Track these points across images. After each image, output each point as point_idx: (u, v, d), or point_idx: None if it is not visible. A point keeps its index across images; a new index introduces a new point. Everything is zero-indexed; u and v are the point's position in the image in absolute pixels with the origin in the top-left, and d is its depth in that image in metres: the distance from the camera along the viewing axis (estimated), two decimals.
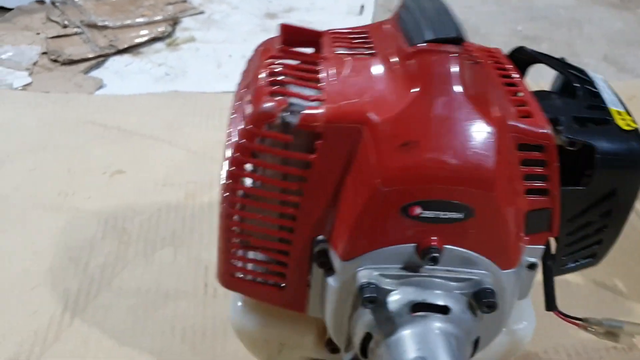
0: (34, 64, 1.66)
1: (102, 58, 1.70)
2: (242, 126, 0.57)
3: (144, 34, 1.81)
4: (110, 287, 1.01)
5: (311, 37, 0.67)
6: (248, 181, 0.60)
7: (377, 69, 0.60)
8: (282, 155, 0.57)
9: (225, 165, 0.59)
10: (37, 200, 1.19)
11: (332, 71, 0.60)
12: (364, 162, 0.55)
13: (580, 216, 0.64)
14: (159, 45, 1.80)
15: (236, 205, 0.60)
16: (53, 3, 1.96)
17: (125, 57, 1.73)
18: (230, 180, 0.59)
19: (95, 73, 1.65)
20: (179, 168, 1.29)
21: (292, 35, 0.66)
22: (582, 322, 0.70)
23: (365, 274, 0.57)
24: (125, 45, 1.75)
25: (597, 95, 0.66)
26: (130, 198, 1.20)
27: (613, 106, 0.65)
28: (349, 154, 0.56)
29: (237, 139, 0.58)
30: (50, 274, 1.03)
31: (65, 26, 1.83)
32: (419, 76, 0.56)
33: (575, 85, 0.67)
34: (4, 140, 1.37)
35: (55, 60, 1.67)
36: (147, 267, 1.05)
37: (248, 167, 0.59)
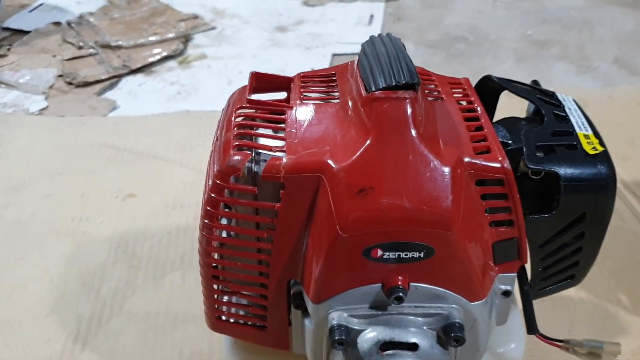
0: (50, 87, 1.70)
1: (115, 79, 1.74)
2: (211, 180, 0.60)
3: (156, 53, 1.85)
4: (121, 312, 1.04)
5: (281, 83, 0.70)
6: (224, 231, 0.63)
7: (338, 117, 0.62)
8: (250, 205, 0.60)
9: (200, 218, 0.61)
10: (52, 226, 1.23)
11: (296, 120, 0.63)
12: (324, 209, 0.57)
13: (553, 241, 0.65)
14: (171, 63, 1.83)
15: (214, 254, 0.63)
16: (69, 24, 2.01)
17: (139, 77, 1.76)
18: (204, 232, 0.61)
19: (109, 94, 1.69)
20: (189, 189, 1.32)
21: (263, 83, 0.68)
22: (564, 344, 0.71)
23: (335, 316, 0.59)
24: (139, 65, 1.79)
25: (565, 119, 0.67)
26: (141, 221, 1.23)
27: (581, 130, 0.66)
28: (311, 202, 0.58)
29: (207, 192, 0.60)
30: (63, 301, 1.06)
31: (80, 47, 1.87)
32: (373, 123, 0.57)
33: (542, 111, 0.68)
34: (21, 167, 1.41)
35: (70, 83, 1.71)
36: (156, 291, 1.08)
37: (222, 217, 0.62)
